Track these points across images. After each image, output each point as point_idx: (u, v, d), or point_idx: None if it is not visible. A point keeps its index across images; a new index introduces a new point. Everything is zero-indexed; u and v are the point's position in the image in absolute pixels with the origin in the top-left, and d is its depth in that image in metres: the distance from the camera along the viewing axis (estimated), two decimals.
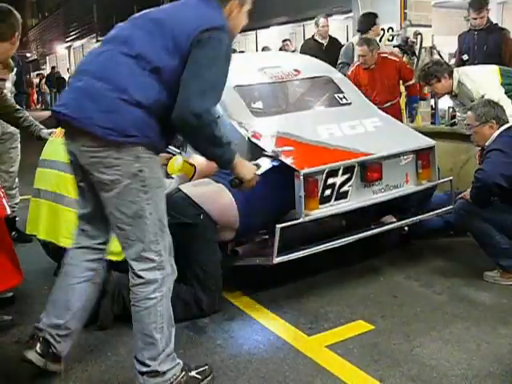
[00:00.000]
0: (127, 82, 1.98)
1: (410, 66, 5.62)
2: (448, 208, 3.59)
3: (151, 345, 2.11)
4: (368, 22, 5.78)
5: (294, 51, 8.93)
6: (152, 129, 2.03)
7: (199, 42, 2.03)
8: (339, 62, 5.68)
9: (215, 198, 2.99)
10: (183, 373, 2.21)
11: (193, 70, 2.02)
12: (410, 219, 3.47)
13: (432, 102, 7.25)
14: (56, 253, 3.17)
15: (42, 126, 3.88)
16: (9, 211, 2.44)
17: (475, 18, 5.16)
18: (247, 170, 2.34)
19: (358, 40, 5.33)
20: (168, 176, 3.20)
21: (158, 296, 2.12)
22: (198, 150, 2.18)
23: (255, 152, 3.16)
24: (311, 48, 6.83)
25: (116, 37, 2.15)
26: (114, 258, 3.03)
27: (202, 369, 2.31)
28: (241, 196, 3.00)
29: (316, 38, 6.92)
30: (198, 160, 3.42)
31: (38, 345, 2.25)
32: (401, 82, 5.44)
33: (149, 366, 2.11)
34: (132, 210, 2.05)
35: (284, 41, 9.43)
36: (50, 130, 3.59)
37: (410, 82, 5.41)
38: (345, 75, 5.16)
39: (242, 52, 10.73)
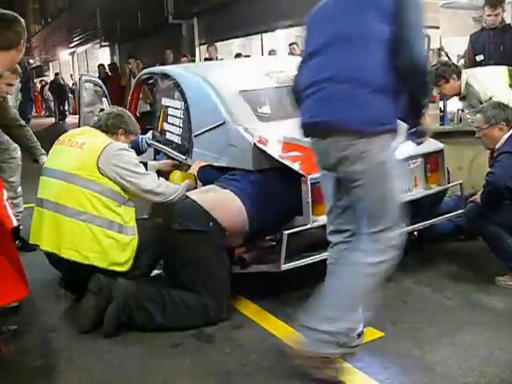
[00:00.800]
0: (363, 74, 2.13)
1: None
2: (458, 212, 3.59)
3: None
4: None
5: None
6: (392, 112, 2.16)
7: (401, 3, 2.14)
8: None
9: (225, 205, 3.01)
10: None
11: (415, 30, 2.15)
12: (420, 224, 3.47)
13: (441, 104, 7.24)
14: (59, 263, 3.18)
15: (43, 151, 3.91)
16: (15, 223, 2.47)
17: (489, 15, 5.01)
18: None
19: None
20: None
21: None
22: (417, 98, 2.25)
23: (261, 158, 3.18)
24: None
25: (326, 40, 2.27)
26: (118, 269, 3.06)
27: None
28: (249, 201, 3.02)
29: None
30: (195, 168, 3.47)
31: None
32: None
33: None
34: (378, 195, 2.20)
35: (291, 44, 9.45)
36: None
37: None
38: None
39: (248, 56, 10.79)
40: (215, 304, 2.90)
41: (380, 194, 2.21)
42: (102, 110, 5.07)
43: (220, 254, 2.97)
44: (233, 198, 3.03)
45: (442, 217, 3.56)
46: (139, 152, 4.37)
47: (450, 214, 3.60)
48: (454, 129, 5.26)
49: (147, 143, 4.37)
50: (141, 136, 4.40)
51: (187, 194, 3.11)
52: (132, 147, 3.60)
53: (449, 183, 3.57)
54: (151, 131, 4.42)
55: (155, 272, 3.41)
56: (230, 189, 3.08)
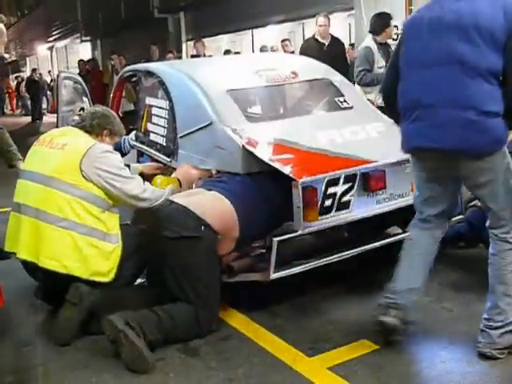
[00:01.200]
0: (480, 102, 2.44)
1: None
2: (458, 218, 3.62)
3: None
4: (381, 23, 5.73)
5: (293, 52, 9.01)
6: (505, 128, 2.53)
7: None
8: (359, 69, 5.53)
9: (214, 206, 3.03)
10: None
11: None
12: None
13: None
14: (35, 271, 3.17)
15: (20, 157, 3.89)
16: None
17: None
18: None
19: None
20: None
21: None
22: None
23: (250, 161, 3.20)
24: (312, 48, 6.90)
25: (436, 58, 2.52)
26: (100, 279, 3.06)
27: None
28: (238, 202, 3.04)
29: (317, 37, 6.99)
30: (179, 172, 3.49)
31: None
32: None
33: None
34: (503, 194, 2.61)
35: (283, 41, 9.51)
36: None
37: None
38: (367, 84, 5.19)
39: (238, 53, 10.84)
40: (207, 315, 2.91)
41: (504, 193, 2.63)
42: (82, 108, 5.07)
43: (213, 260, 2.99)
44: (221, 199, 3.05)
45: None
46: (121, 154, 4.38)
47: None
48: None
49: (130, 144, 4.38)
50: (123, 137, 4.41)
51: (171, 198, 3.11)
52: (114, 149, 3.60)
53: None
54: (134, 132, 4.43)
55: (138, 281, 3.41)
56: (217, 190, 3.10)
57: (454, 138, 2.49)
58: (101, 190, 3.10)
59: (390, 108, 2.87)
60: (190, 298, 2.88)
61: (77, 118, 3.55)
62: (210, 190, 3.13)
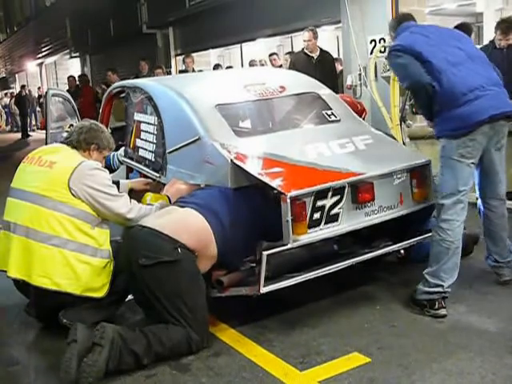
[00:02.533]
0: (499, 81, 3.36)
1: (360, 106, 5.67)
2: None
3: None
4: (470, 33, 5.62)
5: (281, 66, 9.07)
6: None
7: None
8: None
9: (188, 224, 3.02)
10: None
11: None
12: (406, 242, 3.52)
13: None
14: (26, 288, 3.17)
15: None
16: None
17: (501, 40, 5.56)
18: None
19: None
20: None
21: None
22: None
23: (239, 175, 3.22)
24: (301, 61, 6.97)
25: (462, 56, 3.31)
26: (93, 295, 3.06)
27: None
28: (213, 217, 3.03)
29: (306, 50, 7.05)
30: (168, 189, 3.49)
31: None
32: None
33: None
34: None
35: (271, 55, 9.55)
36: None
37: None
38: None
39: (231, 67, 10.89)
40: (197, 334, 2.90)
41: None
42: (71, 125, 5.08)
43: (195, 279, 2.97)
44: (194, 215, 3.03)
45: (430, 234, 3.61)
46: (111, 170, 4.38)
47: None
48: None
49: (119, 160, 4.39)
50: (112, 153, 4.42)
51: (142, 223, 3.05)
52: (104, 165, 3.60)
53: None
54: (123, 148, 4.44)
55: (130, 297, 3.41)
56: (190, 206, 3.10)
57: (507, 104, 3.28)
58: (89, 206, 3.11)
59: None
60: (179, 321, 2.87)
61: (66, 134, 3.55)
62: (182, 206, 3.12)
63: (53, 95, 4.96)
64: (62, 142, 3.48)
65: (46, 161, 3.23)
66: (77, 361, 2.63)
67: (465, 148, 3.21)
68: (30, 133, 19.87)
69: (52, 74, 26.59)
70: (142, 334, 2.81)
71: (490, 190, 3.47)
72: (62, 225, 3.05)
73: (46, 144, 4.32)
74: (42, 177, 3.17)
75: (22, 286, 3.20)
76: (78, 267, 3.04)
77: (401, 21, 3.60)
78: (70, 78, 13.40)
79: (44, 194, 3.10)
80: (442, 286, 3.23)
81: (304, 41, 6.93)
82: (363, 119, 5.57)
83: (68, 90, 11.79)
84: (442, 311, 3.21)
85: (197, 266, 2.99)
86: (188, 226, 3.00)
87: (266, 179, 3.10)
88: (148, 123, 4.03)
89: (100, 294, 3.09)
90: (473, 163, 3.27)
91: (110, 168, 4.39)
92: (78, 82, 12.82)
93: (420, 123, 7.13)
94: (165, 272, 2.86)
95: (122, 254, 3.07)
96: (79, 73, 17.88)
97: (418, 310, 3.28)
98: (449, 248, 3.23)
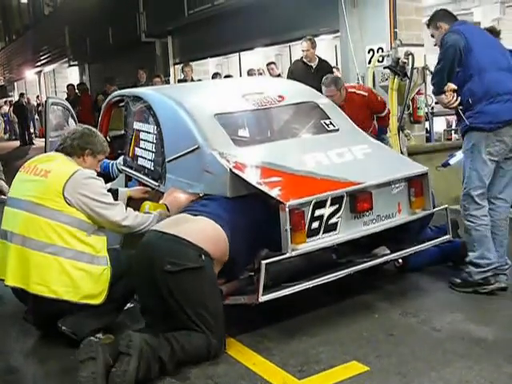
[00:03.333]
0: None
1: (380, 98, 5.71)
2: (445, 237, 3.67)
3: None
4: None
5: (279, 75, 9.11)
6: None
7: None
8: None
9: (207, 233, 3.03)
10: None
11: None
12: (404, 251, 3.54)
13: (427, 124, 7.42)
14: (25, 296, 3.18)
15: (3, 179, 3.88)
16: None
17: None
18: None
19: (324, 80, 5.37)
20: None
21: None
22: None
23: (238, 184, 3.24)
24: (300, 70, 7.00)
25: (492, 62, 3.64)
26: (91, 302, 3.07)
27: None
28: (225, 225, 3.06)
29: (304, 59, 7.10)
30: (167, 198, 3.50)
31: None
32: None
33: None
34: None
35: (269, 64, 9.57)
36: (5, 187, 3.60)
37: (381, 114, 5.60)
38: None
39: (229, 76, 10.93)
40: (218, 340, 2.92)
41: None
42: None
43: (215, 285, 3.01)
44: (211, 224, 3.06)
45: (428, 243, 3.63)
46: (110, 178, 4.40)
47: (436, 240, 3.68)
48: None
49: (118, 169, 4.40)
50: (111, 161, 4.44)
51: (159, 228, 3.07)
52: (101, 174, 3.62)
53: (434, 208, 3.65)
54: (122, 156, 4.46)
55: (128, 305, 3.42)
56: (204, 215, 3.12)
57: None
58: (84, 214, 3.13)
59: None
60: (201, 328, 2.88)
61: (60, 141, 3.54)
62: (195, 215, 3.15)
63: (52, 104, 4.97)
64: (56, 150, 3.48)
65: (41, 170, 3.25)
66: (102, 378, 2.58)
67: (493, 147, 3.56)
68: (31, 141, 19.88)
69: (51, 82, 26.65)
70: (166, 341, 2.81)
71: (497, 190, 3.68)
72: (57, 233, 3.07)
73: (45, 152, 4.33)
74: (37, 186, 3.19)
75: (20, 293, 3.22)
76: (74, 274, 3.06)
77: (454, 17, 3.89)
78: (70, 87, 13.45)
79: (39, 202, 3.12)
80: (492, 263, 3.60)
81: (302, 50, 6.99)
82: (387, 118, 5.63)
83: (67, 99, 11.84)
84: (500, 284, 3.62)
85: (215, 273, 3.02)
86: (208, 234, 3.02)
87: (264, 188, 3.12)
88: (147, 132, 4.06)
89: (98, 301, 3.11)
90: (496, 161, 3.61)
91: (109, 176, 4.42)
92: (76, 91, 12.87)
93: (418, 132, 7.19)
94: (190, 279, 2.88)
95: (138, 260, 3.04)
96: (78, 81, 17.94)
97: (418, 319, 3.29)
98: (486, 230, 3.61)
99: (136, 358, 2.64)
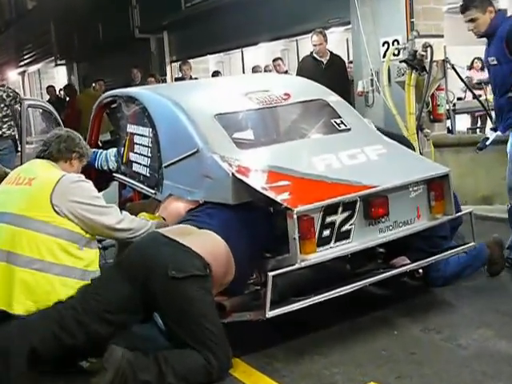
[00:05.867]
0: None
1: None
2: (470, 245, 3.68)
3: None
4: None
5: (286, 72, 9.16)
6: None
7: None
8: None
9: (214, 249, 3.06)
10: None
11: None
12: (425, 260, 3.55)
13: (448, 123, 7.43)
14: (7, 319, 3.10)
15: None
16: None
17: None
18: None
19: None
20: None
21: None
22: None
23: (241, 190, 3.27)
24: (309, 66, 7.05)
25: None
26: None
27: None
28: (232, 240, 3.10)
29: (314, 55, 7.14)
30: (163, 210, 3.53)
31: None
32: None
33: None
34: None
35: (275, 60, 9.63)
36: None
37: None
38: None
39: (218, 72, 10.95)
40: (221, 361, 2.91)
41: None
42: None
43: (214, 304, 3.02)
44: (217, 240, 3.09)
45: (450, 251, 3.64)
46: (103, 171, 4.45)
47: (460, 248, 3.69)
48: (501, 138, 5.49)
49: (107, 159, 4.46)
50: (104, 151, 4.49)
51: (172, 236, 3.07)
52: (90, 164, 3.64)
53: (457, 212, 3.67)
54: (115, 148, 4.50)
55: None
56: (210, 229, 3.14)
57: None
58: (75, 224, 3.14)
59: None
60: (200, 344, 2.88)
61: (42, 146, 3.55)
62: (200, 227, 3.15)
63: (29, 106, 4.95)
64: (38, 157, 3.50)
65: (24, 178, 3.26)
66: None
67: None
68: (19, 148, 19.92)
69: (36, 83, 26.75)
70: (155, 362, 2.83)
71: None
72: (46, 247, 3.07)
73: (21, 163, 4.31)
74: (21, 196, 3.19)
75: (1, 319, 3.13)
76: (63, 292, 3.04)
77: None
78: (50, 88, 13.57)
79: (24, 214, 3.12)
80: None
81: (314, 45, 7.03)
82: None
83: (48, 101, 11.91)
84: None
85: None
86: (214, 250, 3.04)
87: (270, 194, 3.15)
88: (142, 135, 4.10)
89: None
90: None
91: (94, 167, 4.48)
92: (62, 93, 12.95)
93: (438, 132, 7.19)
94: (195, 287, 2.90)
95: (132, 260, 3.06)
96: (66, 82, 18.03)
97: (442, 336, 3.29)
98: None
99: (111, 373, 2.70)
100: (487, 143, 4.79)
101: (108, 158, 4.57)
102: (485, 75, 10.00)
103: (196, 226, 3.19)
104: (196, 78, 9.68)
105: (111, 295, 2.98)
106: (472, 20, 3.97)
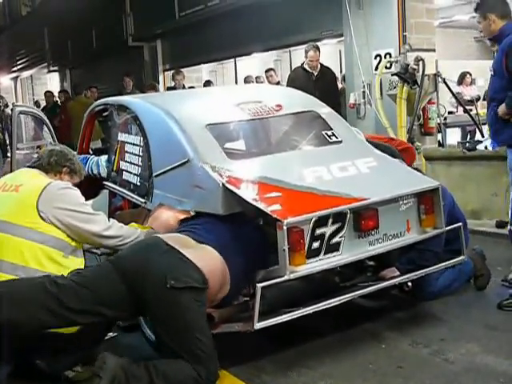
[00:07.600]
0: None
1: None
2: (460, 258, 3.69)
3: None
4: None
5: (278, 83, 9.18)
6: None
7: None
8: None
9: (215, 267, 3.04)
10: None
11: None
12: (414, 273, 3.55)
13: (439, 136, 7.47)
14: None
15: None
16: None
17: None
18: None
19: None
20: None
21: None
22: None
23: (232, 201, 3.26)
24: (300, 77, 7.09)
25: None
26: (66, 331, 3.06)
27: None
28: (229, 256, 3.10)
29: (305, 66, 7.18)
30: (152, 221, 3.51)
31: None
32: None
33: None
34: None
35: (267, 71, 9.66)
36: None
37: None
38: None
39: (210, 82, 10.95)
40: (209, 371, 2.89)
41: None
42: (39, 147, 5.09)
43: (205, 314, 3.01)
44: (216, 258, 3.07)
45: (440, 265, 3.65)
46: (93, 179, 4.43)
47: (450, 261, 3.68)
48: (492, 153, 5.46)
49: (99, 165, 4.44)
50: (96, 157, 4.48)
51: (173, 244, 3.03)
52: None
53: (447, 226, 3.67)
54: (106, 155, 4.49)
55: (109, 335, 3.41)
56: (209, 244, 3.12)
57: None
58: (61, 231, 3.13)
59: None
60: (188, 353, 2.86)
61: (35, 157, 3.58)
62: (199, 241, 3.13)
63: (20, 113, 4.91)
64: (29, 166, 3.51)
65: (10, 185, 3.26)
66: None
67: None
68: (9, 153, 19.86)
69: (28, 89, 26.72)
70: (146, 371, 2.82)
71: None
72: (30, 253, 3.04)
73: (11, 170, 4.28)
74: (7, 202, 3.18)
75: None
76: None
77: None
78: (48, 94, 13.50)
79: (10, 220, 3.10)
80: None
81: (310, 61, 7.09)
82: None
83: (45, 107, 11.90)
84: None
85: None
86: (212, 267, 3.02)
87: (260, 205, 3.14)
88: (133, 144, 4.09)
89: (74, 330, 3.08)
90: None
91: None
92: (57, 98, 12.92)
93: (430, 145, 7.24)
94: (192, 298, 2.88)
95: (134, 263, 3.01)
96: (58, 88, 18.01)
97: (429, 350, 3.29)
98: None
99: (107, 381, 2.68)
100: (477, 146, 4.84)
101: (99, 163, 4.57)
102: (474, 91, 10.06)
103: (194, 239, 3.16)
104: (193, 87, 9.68)
105: (104, 290, 2.94)
106: (478, 22, 4.01)
